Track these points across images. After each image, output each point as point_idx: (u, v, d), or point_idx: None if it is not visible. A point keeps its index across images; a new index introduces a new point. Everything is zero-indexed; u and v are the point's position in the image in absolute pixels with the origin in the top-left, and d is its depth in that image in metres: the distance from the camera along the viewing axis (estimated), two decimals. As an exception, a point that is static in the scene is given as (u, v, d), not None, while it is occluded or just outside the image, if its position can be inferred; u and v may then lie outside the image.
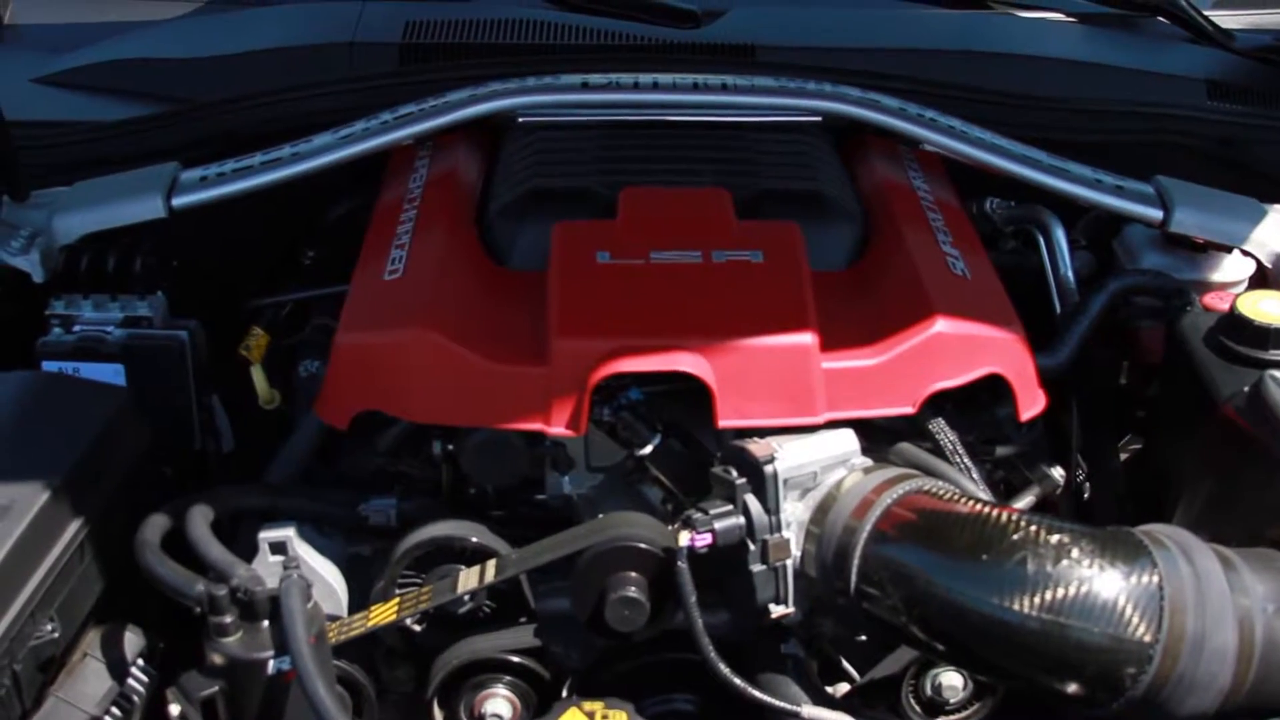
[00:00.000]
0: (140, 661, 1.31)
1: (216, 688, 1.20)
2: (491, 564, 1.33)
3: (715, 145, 1.66)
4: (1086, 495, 1.57)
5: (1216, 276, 1.66)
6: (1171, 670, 1.06)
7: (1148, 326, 1.59)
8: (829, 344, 1.34)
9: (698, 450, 1.38)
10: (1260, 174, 1.84)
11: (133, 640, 1.31)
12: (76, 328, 1.54)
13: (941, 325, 1.37)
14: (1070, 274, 1.65)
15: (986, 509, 1.18)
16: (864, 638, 1.39)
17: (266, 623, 1.20)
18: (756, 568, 1.26)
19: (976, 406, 1.44)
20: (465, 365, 1.33)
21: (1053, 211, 1.69)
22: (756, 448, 1.27)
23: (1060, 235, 1.67)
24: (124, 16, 2.06)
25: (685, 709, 1.37)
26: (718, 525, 1.24)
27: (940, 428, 1.39)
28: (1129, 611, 1.07)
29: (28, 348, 1.54)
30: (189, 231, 1.61)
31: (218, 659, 1.20)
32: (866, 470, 1.30)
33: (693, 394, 1.33)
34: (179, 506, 1.35)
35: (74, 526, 1.25)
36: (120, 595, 1.32)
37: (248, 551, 1.37)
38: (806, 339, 1.33)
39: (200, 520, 1.34)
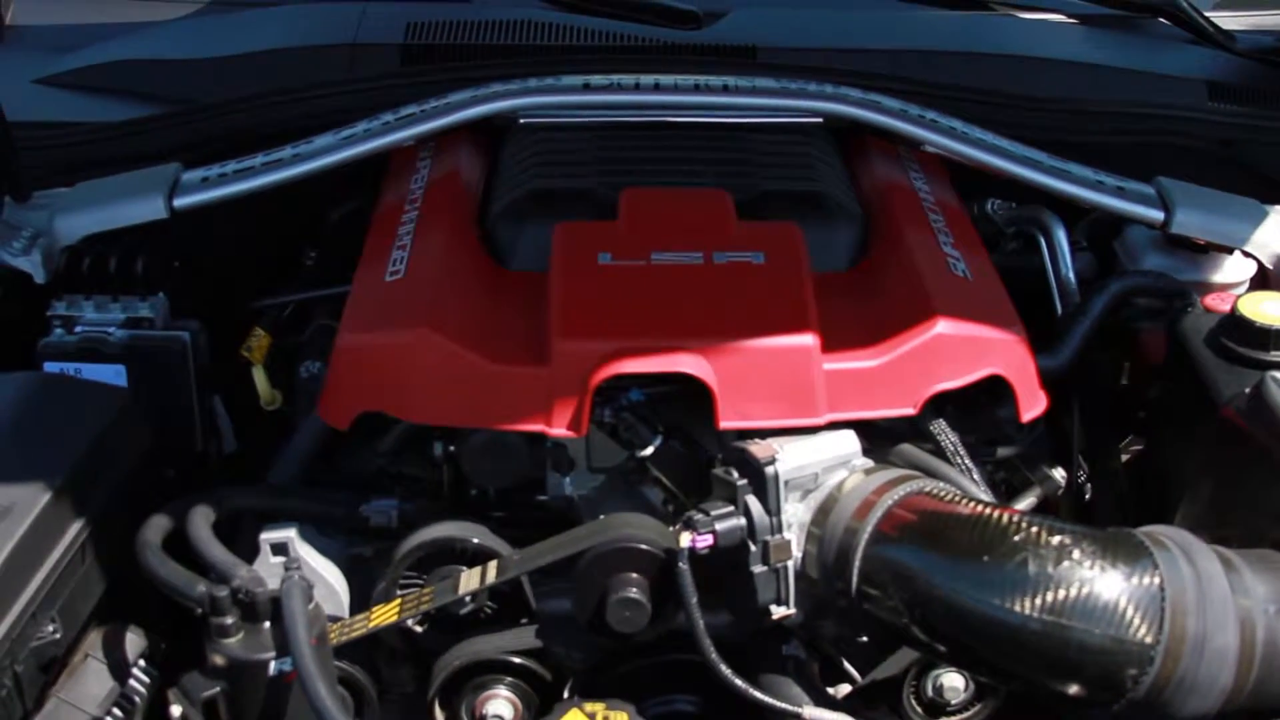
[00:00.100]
0: (141, 662, 1.31)
1: (218, 689, 1.20)
2: (493, 565, 1.33)
3: (716, 146, 1.66)
4: (1087, 496, 1.57)
5: (1217, 278, 1.66)
6: (1173, 671, 1.06)
7: (1149, 328, 1.59)
8: (830, 345, 1.34)
9: (699, 451, 1.38)
10: (1261, 175, 1.84)
11: (134, 641, 1.32)
12: (78, 329, 1.55)
13: (943, 326, 1.37)
14: (1071, 275, 1.65)
15: (988, 510, 1.18)
16: (865, 639, 1.39)
17: (268, 624, 1.20)
18: (758, 569, 1.26)
19: (977, 407, 1.44)
20: (466, 366, 1.33)
21: (1054, 212, 1.69)
22: (758, 449, 1.27)
23: (1061, 236, 1.67)
24: (125, 17, 2.06)
25: (686, 710, 1.37)
26: (719, 526, 1.25)
27: (941, 429, 1.39)
28: (1130, 613, 1.07)
29: (29, 349, 1.54)
30: (190, 232, 1.62)
31: (219, 660, 1.20)
32: (868, 471, 1.30)
33: (694, 395, 1.33)
34: (180, 507, 1.35)
35: (75, 527, 1.25)
36: (122, 596, 1.33)
37: (249, 552, 1.37)
38: (807, 340, 1.34)
39: (201, 521, 1.34)
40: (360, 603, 1.40)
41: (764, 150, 1.65)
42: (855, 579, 1.21)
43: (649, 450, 1.37)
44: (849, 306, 1.43)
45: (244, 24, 2.05)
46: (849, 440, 1.33)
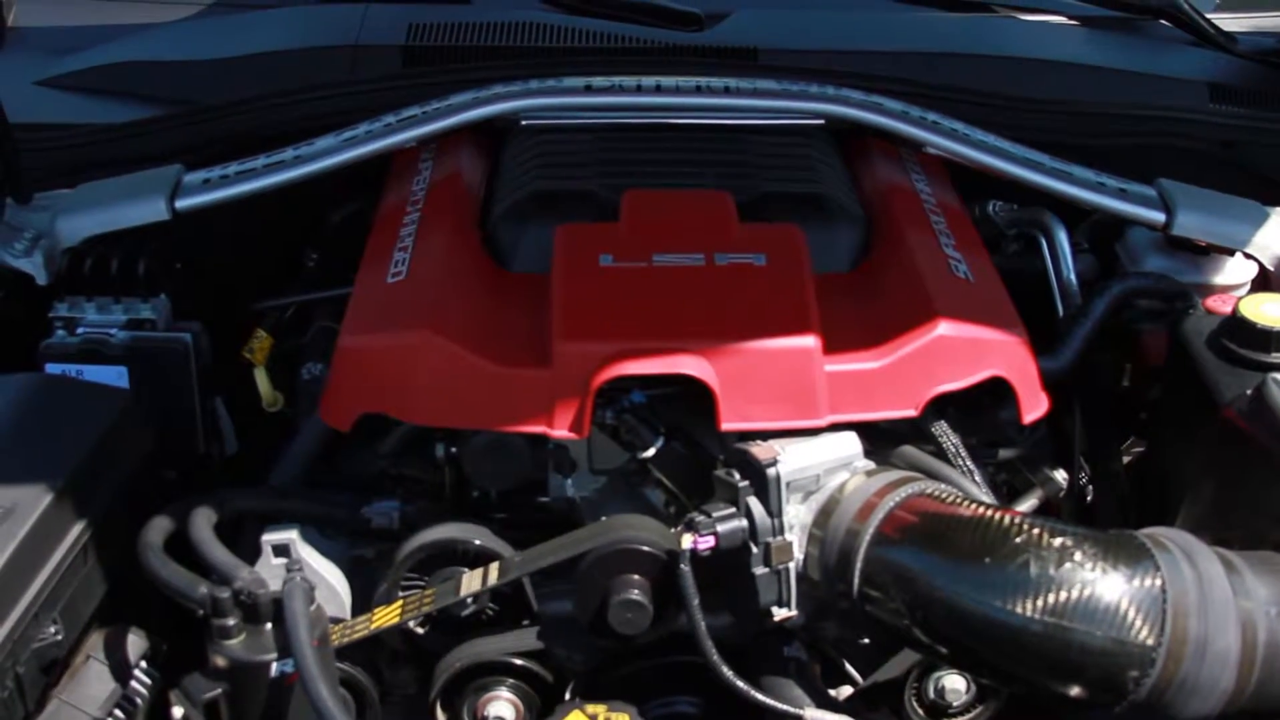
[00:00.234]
0: (143, 664, 1.31)
1: (219, 690, 1.20)
2: (494, 567, 1.33)
3: (718, 148, 1.66)
4: (1089, 498, 1.57)
5: (1219, 279, 1.66)
6: (1174, 673, 1.06)
7: (1150, 329, 1.59)
8: (831, 346, 1.34)
9: (700, 453, 1.38)
10: (1262, 177, 1.84)
11: (136, 642, 1.32)
12: (80, 330, 1.55)
13: (944, 328, 1.37)
14: (1073, 277, 1.64)
15: (989, 512, 1.18)
16: (867, 640, 1.39)
17: (269, 625, 1.20)
18: (759, 570, 1.26)
19: (979, 409, 1.44)
20: (468, 368, 1.33)
21: (1055, 214, 1.69)
22: (759, 450, 1.27)
23: (1063, 238, 1.67)
24: (128, 19, 2.06)
25: (688, 712, 1.37)
26: (720, 528, 1.25)
27: (943, 430, 1.39)
28: (1132, 615, 1.07)
29: (31, 350, 1.54)
30: (192, 234, 1.61)
31: (221, 661, 1.20)
32: (869, 473, 1.31)
33: (696, 396, 1.33)
34: (182, 509, 1.36)
35: (77, 529, 1.25)
36: (123, 598, 1.33)
37: (251, 554, 1.37)
38: (809, 342, 1.34)
39: (203, 523, 1.34)
40: (362, 604, 1.40)
41: (765, 152, 1.65)
42: (857, 581, 1.21)
43: (650, 452, 1.37)
44: (850, 308, 1.44)
45: (246, 26, 2.05)
46: (851, 442, 1.33)
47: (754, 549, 1.26)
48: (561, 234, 1.46)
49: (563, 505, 1.44)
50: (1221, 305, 1.51)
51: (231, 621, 1.19)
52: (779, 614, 1.29)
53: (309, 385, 1.56)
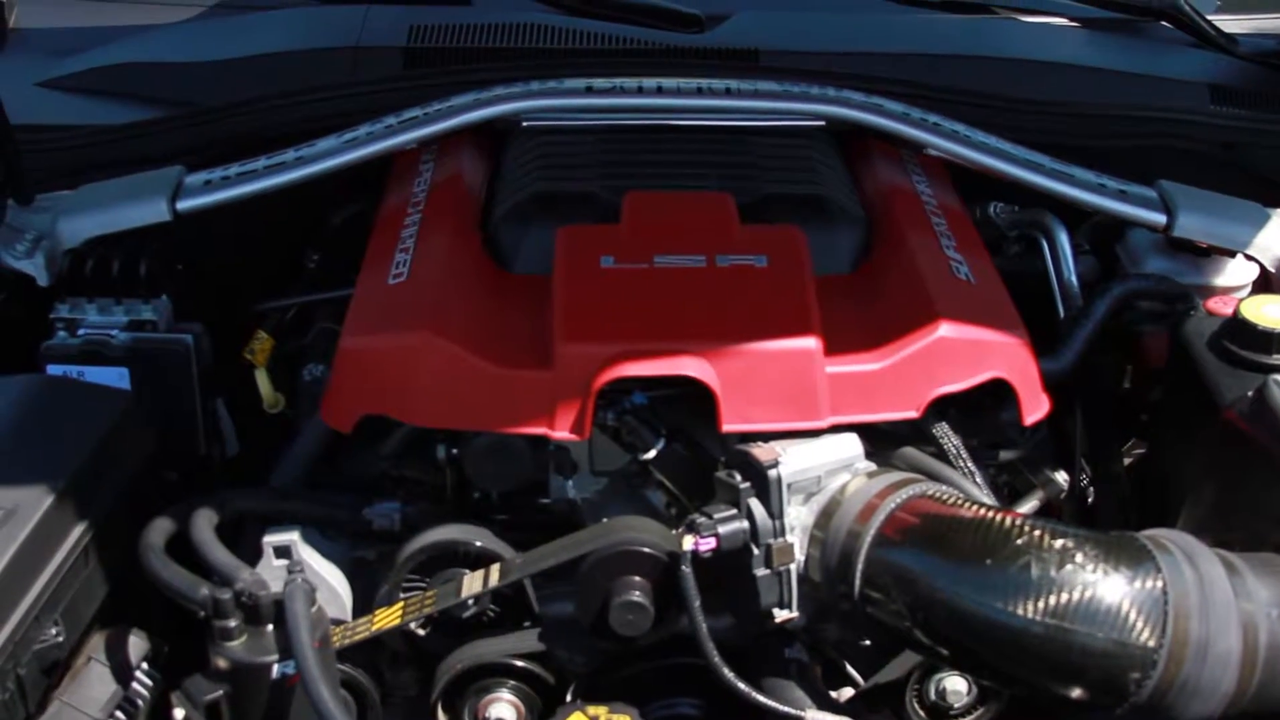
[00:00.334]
0: (144, 665, 1.31)
1: (221, 692, 1.20)
2: (495, 568, 1.33)
3: (719, 149, 1.66)
4: (1090, 500, 1.57)
5: (1220, 281, 1.66)
6: (1176, 675, 1.06)
7: (1151, 331, 1.59)
8: (833, 348, 1.35)
9: (702, 454, 1.38)
10: (1263, 178, 1.84)
11: (137, 644, 1.32)
12: (81, 331, 1.55)
13: (945, 329, 1.37)
14: (1074, 278, 1.65)
15: (990, 513, 1.18)
16: (868, 642, 1.39)
17: (271, 627, 1.20)
18: (760, 572, 1.26)
19: (980, 411, 1.44)
20: (469, 369, 1.33)
21: (1056, 216, 1.69)
22: (760, 452, 1.27)
23: (1064, 239, 1.67)
24: (129, 20, 2.06)
25: (689, 713, 1.36)
26: (721, 529, 1.25)
27: (944, 432, 1.39)
28: (1133, 616, 1.07)
29: (32, 351, 1.54)
30: (194, 235, 1.62)
31: (222, 663, 1.20)
32: (870, 475, 1.30)
33: (697, 398, 1.33)
34: (183, 510, 1.36)
35: (78, 530, 1.25)
36: (124, 599, 1.33)
37: (252, 555, 1.37)
38: (810, 343, 1.34)
39: (204, 524, 1.34)
40: (363, 606, 1.40)
41: (766, 153, 1.65)
42: (858, 582, 1.21)
43: (652, 453, 1.37)
44: (851, 309, 1.44)
45: (247, 27, 2.05)
46: (852, 443, 1.33)
47: (755, 550, 1.26)
48: (563, 235, 1.46)
49: (564, 507, 1.44)
50: (1222, 307, 1.51)
51: (233, 623, 1.19)
52: (780, 615, 1.29)
53: (310, 386, 1.56)
